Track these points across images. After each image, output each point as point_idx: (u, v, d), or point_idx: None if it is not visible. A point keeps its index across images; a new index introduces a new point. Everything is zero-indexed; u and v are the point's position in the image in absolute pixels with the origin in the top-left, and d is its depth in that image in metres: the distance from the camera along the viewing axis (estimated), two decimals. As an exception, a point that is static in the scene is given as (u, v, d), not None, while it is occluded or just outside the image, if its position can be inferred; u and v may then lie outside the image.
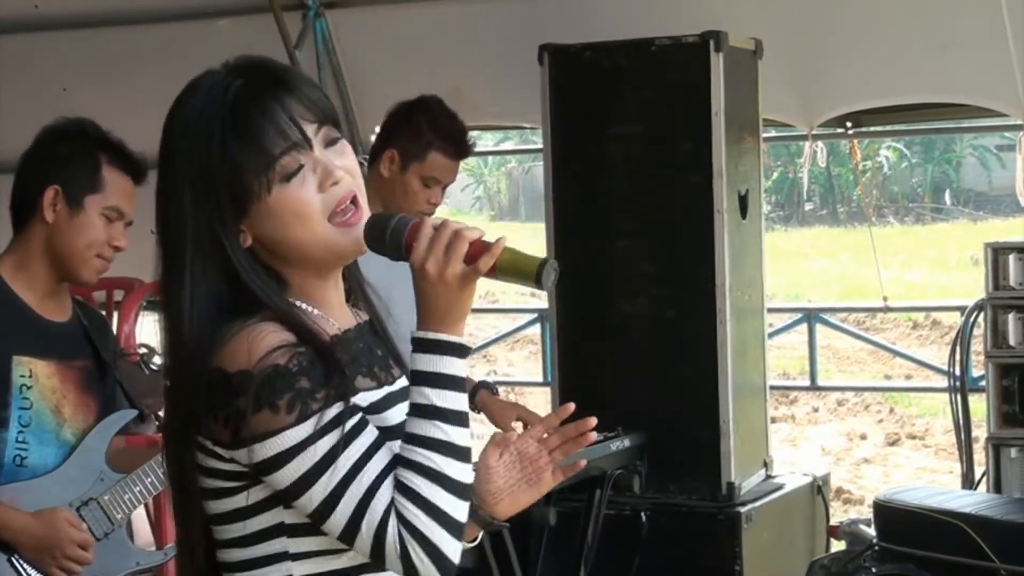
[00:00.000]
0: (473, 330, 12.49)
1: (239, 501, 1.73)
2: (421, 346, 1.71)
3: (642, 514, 4.21)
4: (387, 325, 1.90)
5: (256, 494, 1.72)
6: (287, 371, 1.66)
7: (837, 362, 12.34)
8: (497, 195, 33.05)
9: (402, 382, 1.84)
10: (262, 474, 1.68)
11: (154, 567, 4.63)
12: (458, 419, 1.70)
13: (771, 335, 5.13)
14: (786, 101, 5.01)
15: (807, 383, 8.66)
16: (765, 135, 4.78)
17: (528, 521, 3.80)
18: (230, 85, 1.74)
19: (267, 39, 5.38)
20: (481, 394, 3.68)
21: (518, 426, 3.74)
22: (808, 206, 29.39)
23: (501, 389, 3.88)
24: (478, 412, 3.80)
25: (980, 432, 4.96)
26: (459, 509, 1.69)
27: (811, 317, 6.27)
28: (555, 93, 4.50)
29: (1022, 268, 4.42)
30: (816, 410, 11.80)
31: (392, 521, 1.66)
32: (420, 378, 1.70)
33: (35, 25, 5.87)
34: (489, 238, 1.72)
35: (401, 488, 1.67)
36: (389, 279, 1.98)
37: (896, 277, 15.81)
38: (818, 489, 4.64)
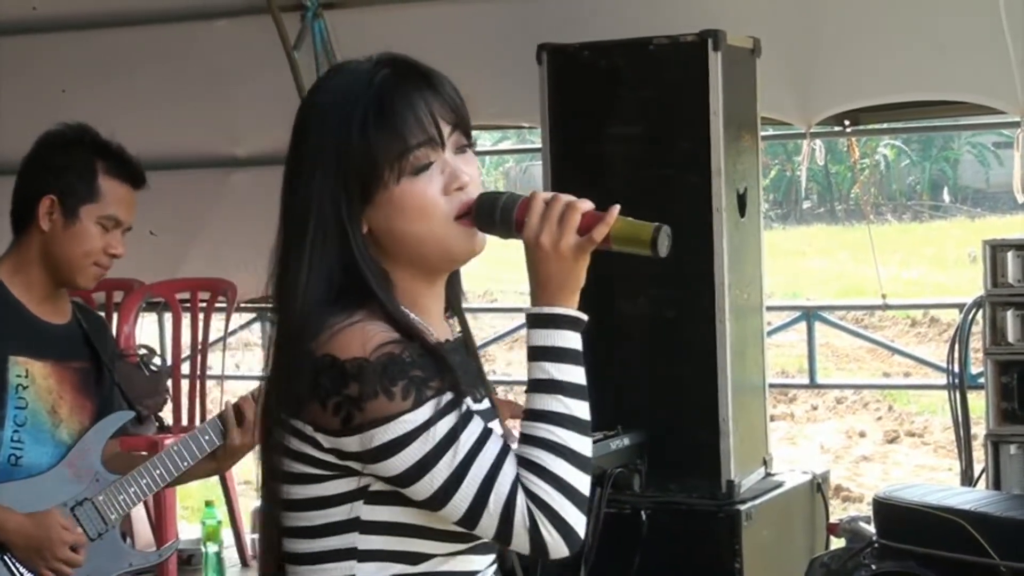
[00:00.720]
0: (472, 329, 12.50)
1: (322, 490, 1.72)
2: (538, 321, 1.71)
3: (642, 512, 4.21)
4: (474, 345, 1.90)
5: (340, 486, 1.72)
6: (401, 360, 1.66)
7: (836, 360, 12.34)
8: (495, 194, 33.01)
9: (487, 403, 1.84)
10: (375, 461, 1.67)
11: (150, 568, 4.67)
12: (578, 392, 1.70)
13: (769, 333, 5.14)
14: (784, 100, 5.01)
15: (805, 381, 8.68)
16: (763, 133, 4.79)
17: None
18: (376, 73, 1.75)
19: (265, 40, 5.39)
20: None
21: (513, 424, 3.74)
22: (806, 204, 29.40)
23: (500, 389, 3.88)
24: None
25: (978, 429, 4.96)
26: (584, 482, 1.69)
27: (810, 315, 6.27)
28: (554, 93, 4.50)
29: (1021, 265, 4.42)
30: (815, 408, 11.80)
31: (520, 496, 1.65)
32: (538, 353, 1.70)
33: (33, 27, 5.88)
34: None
35: (526, 463, 1.67)
36: None
37: (894, 275, 15.80)
38: (817, 487, 4.65)
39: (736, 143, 4.38)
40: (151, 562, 3.28)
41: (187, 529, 5.68)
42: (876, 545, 4.07)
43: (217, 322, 5.58)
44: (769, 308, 5.03)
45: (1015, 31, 4.68)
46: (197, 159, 5.84)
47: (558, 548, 1.66)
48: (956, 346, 4.87)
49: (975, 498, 4.13)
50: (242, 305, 5.85)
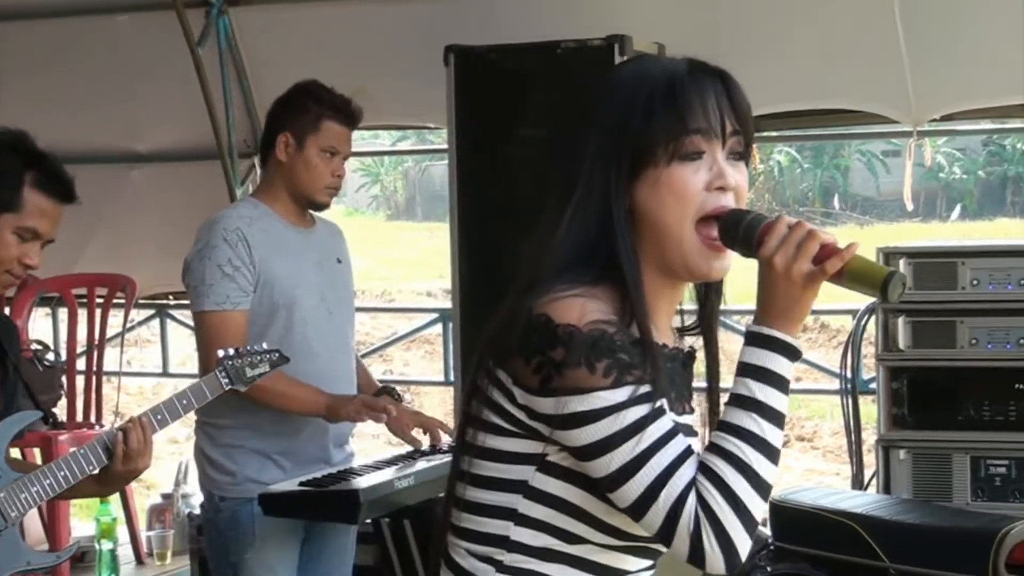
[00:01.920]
0: (369, 329, 12.44)
1: (503, 444, 1.75)
2: (755, 340, 1.72)
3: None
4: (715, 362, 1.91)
5: (519, 445, 1.74)
6: (612, 339, 1.68)
7: (729, 364, 12.46)
8: (394, 194, 32.95)
9: (686, 419, 1.84)
10: (563, 427, 1.68)
11: (46, 568, 4.59)
12: (776, 418, 1.70)
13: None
14: (687, 106, 5.07)
15: (699, 385, 8.78)
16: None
17: (430, 514, 3.81)
18: (677, 64, 1.79)
19: (169, 36, 5.34)
20: (383, 399, 3.69)
21: (418, 432, 3.75)
22: (702, 209, 29.70)
23: (399, 388, 3.88)
24: None
25: (867, 434, 5.06)
26: (759, 506, 1.68)
27: (709, 319, 6.34)
28: (460, 94, 4.52)
29: (912, 272, 4.51)
30: (710, 412, 11.94)
31: (691, 499, 1.66)
32: (747, 370, 1.71)
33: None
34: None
35: (706, 471, 1.67)
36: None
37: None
38: (715, 489, 4.70)
39: (641, 148, 4.41)
40: (49, 563, 3.22)
41: (81, 526, 5.59)
42: (772, 547, 4.13)
43: (115, 318, 5.51)
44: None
45: (910, 43, 4.79)
46: (97, 154, 5.76)
47: (716, 563, 1.66)
48: (849, 352, 4.95)
49: (866, 502, 4.21)
50: (140, 301, 5.78)
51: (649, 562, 1.82)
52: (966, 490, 4.40)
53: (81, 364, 5.40)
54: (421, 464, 3.60)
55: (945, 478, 4.43)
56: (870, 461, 4.90)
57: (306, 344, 3.51)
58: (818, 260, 1.70)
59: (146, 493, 6.29)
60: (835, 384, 5.14)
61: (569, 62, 4.38)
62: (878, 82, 4.94)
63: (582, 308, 1.69)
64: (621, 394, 1.67)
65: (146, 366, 9.91)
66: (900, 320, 4.51)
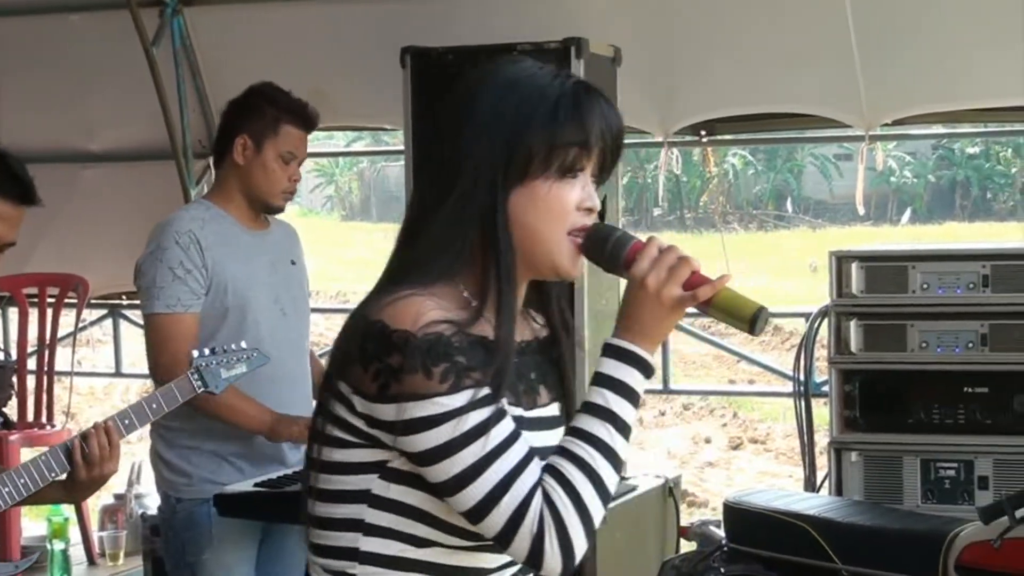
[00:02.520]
0: (323, 330, 12.40)
1: (343, 456, 1.75)
2: (615, 353, 1.74)
3: (498, 515, 4.24)
4: (565, 350, 1.91)
5: (359, 455, 1.74)
6: (448, 342, 1.68)
7: (684, 367, 12.54)
8: (348, 195, 32.87)
9: (544, 412, 1.85)
10: (402, 434, 1.69)
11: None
12: (626, 430, 1.73)
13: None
14: (643, 109, 5.10)
15: (653, 387, 8.81)
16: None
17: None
18: (568, 76, 1.80)
19: (123, 35, 5.30)
20: None
21: None
22: (656, 212, 29.82)
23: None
24: None
25: (819, 436, 5.10)
26: (599, 513, 1.71)
27: (664, 322, 6.37)
28: (417, 96, 4.51)
29: (864, 276, 4.55)
30: (663, 414, 11.98)
31: (535, 502, 1.67)
32: (604, 381, 1.73)
33: None
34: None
35: (554, 472, 1.69)
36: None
37: (740, 284, 16.05)
38: (669, 491, 4.73)
39: (596, 151, 4.43)
40: (8, 573, 3.19)
41: (32, 526, 5.55)
42: (725, 548, 4.15)
43: (66, 318, 5.47)
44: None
45: (862, 49, 4.83)
46: (50, 153, 5.70)
47: (554, 564, 1.68)
48: (802, 355, 4.98)
49: (819, 504, 4.23)
50: (92, 301, 5.75)
51: (508, 557, 1.82)
52: (916, 492, 4.45)
53: (32, 364, 5.36)
54: None
55: (896, 480, 4.48)
56: (822, 463, 4.94)
57: (259, 346, 3.50)
58: (688, 286, 1.73)
59: (99, 493, 6.24)
60: (788, 387, 5.17)
61: (525, 65, 4.38)
62: (831, 86, 4.98)
63: (418, 310, 1.69)
64: (460, 399, 1.67)
65: (97, 366, 9.84)
66: (852, 323, 4.55)
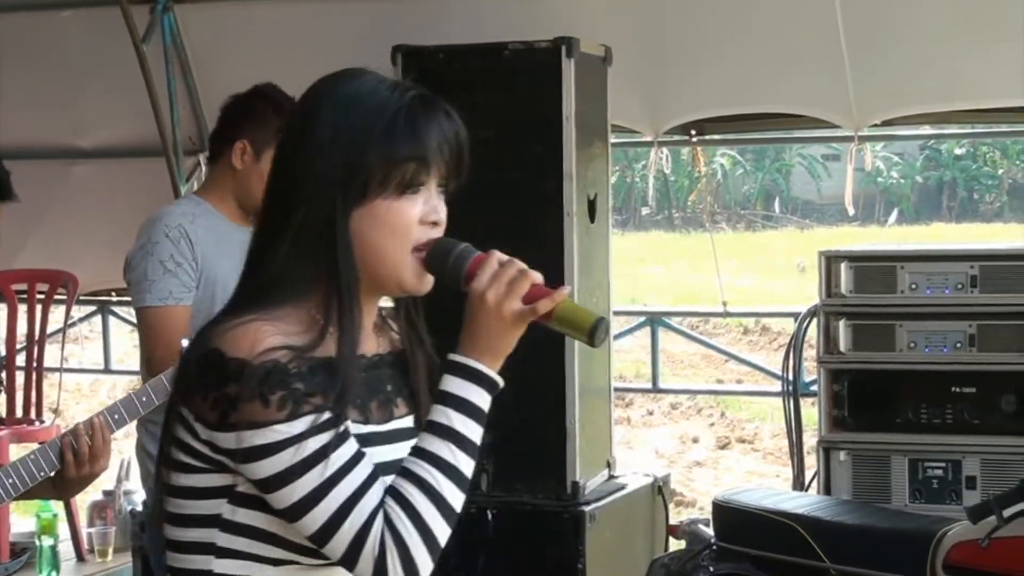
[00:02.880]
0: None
1: (192, 480, 1.75)
2: (457, 370, 1.74)
3: (488, 512, 4.25)
4: (419, 364, 1.89)
5: (206, 480, 1.74)
6: (285, 369, 1.67)
7: (672, 366, 12.56)
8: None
9: (401, 423, 1.84)
10: (243, 462, 1.69)
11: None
12: (471, 449, 1.73)
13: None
14: (633, 108, 5.11)
15: (642, 386, 8.82)
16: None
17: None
18: (407, 89, 1.78)
19: (113, 32, 5.30)
20: None
21: None
22: (644, 211, 29.83)
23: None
24: None
25: (807, 436, 5.12)
26: (444, 533, 1.71)
27: (654, 321, 6.39)
28: (408, 94, 4.51)
29: (853, 276, 4.56)
30: (651, 413, 11.99)
31: (377, 524, 1.67)
32: (447, 399, 1.73)
33: None
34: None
35: (396, 495, 1.69)
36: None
37: (728, 283, 16.07)
38: (659, 489, 4.74)
39: (588, 149, 4.44)
40: None
41: (21, 522, 5.54)
42: (714, 547, 4.16)
43: (56, 314, 5.47)
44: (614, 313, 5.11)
45: (851, 49, 4.85)
46: (39, 149, 5.71)
47: None
48: (791, 354, 5.00)
49: (808, 503, 4.25)
50: (82, 297, 5.74)
51: None
52: (904, 492, 4.46)
53: (20, 360, 5.35)
54: None
55: (884, 480, 4.49)
56: (810, 463, 4.96)
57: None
58: (528, 299, 1.73)
59: (88, 489, 6.24)
60: (776, 386, 5.18)
61: (516, 64, 4.39)
62: (820, 87, 5.00)
63: (255, 336, 1.68)
64: (299, 425, 1.67)
65: (85, 363, 9.83)
66: (841, 323, 4.57)
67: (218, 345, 1.69)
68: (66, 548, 5.12)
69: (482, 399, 1.74)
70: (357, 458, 1.69)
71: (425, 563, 1.69)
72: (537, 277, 1.74)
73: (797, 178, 32.04)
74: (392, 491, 1.69)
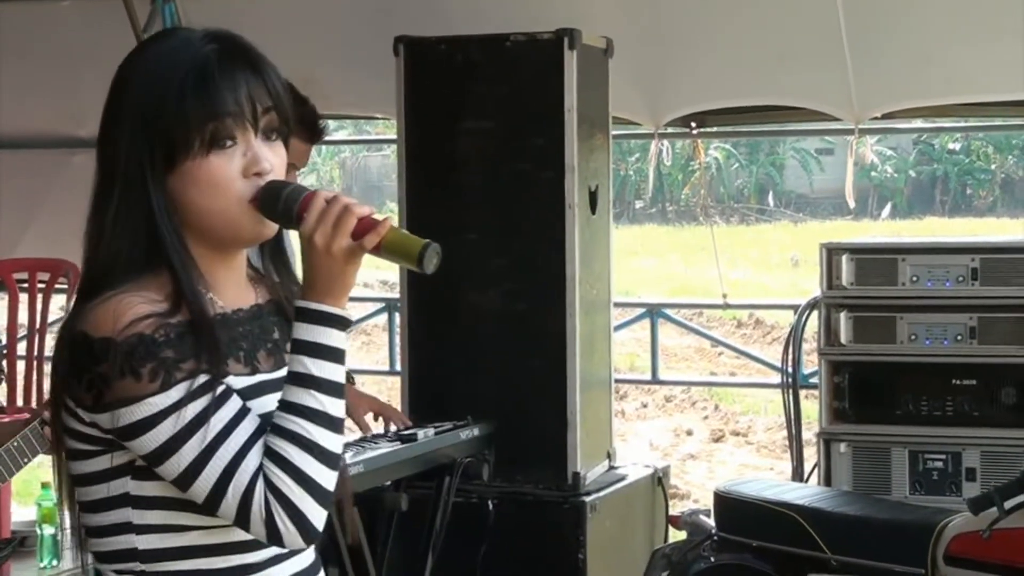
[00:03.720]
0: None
1: (92, 466, 1.75)
2: (303, 316, 1.73)
3: (489, 502, 4.26)
4: (286, 306, 1.88)
5: (105, 461, 1.74)
6: (151, 340, 1.67)
7: (665, 359, 12.55)
8: (330, 184, 32.81)
9: (278, 373, 1.83)
10: (125, 439, 1.69)
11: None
12: (334, 390, 1.72)
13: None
14: (634, 100, 5.12)
15: (636, 378, 8.84)
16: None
17: (378, 505, 3.83)
18: (204, 45, 1.76)
19: (114, 22, 5.29)
20: None
21: (369, 418, 3.75)
22: (639, 204, 29.84)
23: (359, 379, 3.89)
24: None
25: (803, 428, 5.13)
26: (328, 478, 1.71)
27: (653, 313, 6.40)
28: (410, 85, 4.51)
29: (854, 268, 4.58)
30: (645, 406, 12.00)
31: (259, 487, 1.68)
32: (300, 347, 1.73)
33: None
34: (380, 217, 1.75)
35: (272, 455, 1.69)
36: None
37: (722, 276, 16.10)
38: (658, 480, 4.76)
39: (589, 141, 4.45)
40: None
41: (21, 510, 5.53)
42: (715, 537, 4.17)
43: (57, 303, 5.47)
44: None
45: (852, 42, 4.86)
46: (39, 139, 5.70)
47: (293, 540, 1.70)
48: (790, 346, 5.01)
49: (809, 494, 4.26)
50: (82, 288, 5.74)
51: None
52: (905, 483, 4.48)
53: (21, 349, 5.35)
54: (371, 451, 3.61)
55: (884, 472, 4.51)
56: (808, 455, 4.97)
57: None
58: (356, 235, 1.72)
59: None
60: (772, 379, 5.20)
61: (518, 55, 4.39)
62: (821, 80, 5.00)
63: (115, 313, 1.68)
64: (173, 395, 1.67)
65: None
66: (842, 315, 4.58)
67: (82, 328, 1.69)
68: (67, 537, 5.11)
69: (333, 338, 1.73)
70: (238, 418, 1.70)
71: (314, 512, 1.70)
72: (363, 210, 1.73)
73: (791, 172, 32.06)
74: (267, 450, 1.69)
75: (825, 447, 4.59)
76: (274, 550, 1.79)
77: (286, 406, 1.71)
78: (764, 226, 27.54)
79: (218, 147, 1.75)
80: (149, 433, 1.67)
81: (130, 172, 1.74)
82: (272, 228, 1.80)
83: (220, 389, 1.69)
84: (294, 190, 1.76)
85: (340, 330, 1.74)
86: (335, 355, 1.73)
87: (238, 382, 1.76)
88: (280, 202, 1.75)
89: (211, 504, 1.69)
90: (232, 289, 1.84)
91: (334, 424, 1.72)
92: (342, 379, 1.73)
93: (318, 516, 1.70)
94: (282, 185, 1.77)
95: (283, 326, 1.86)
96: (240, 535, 1.75)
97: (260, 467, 1.68)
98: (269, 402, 1.75)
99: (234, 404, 1.71)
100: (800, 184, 31.71)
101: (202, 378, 1.68)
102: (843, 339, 4.59)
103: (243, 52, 1.78)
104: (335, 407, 1.72)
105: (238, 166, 1.76)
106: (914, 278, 4.50)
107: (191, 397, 1.67)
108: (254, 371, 1.79)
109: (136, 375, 1.66)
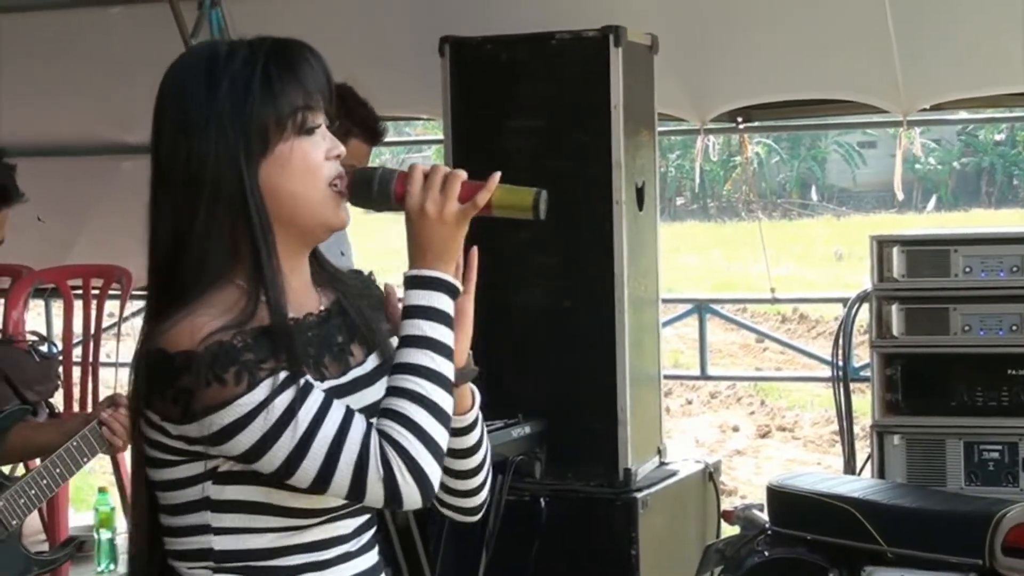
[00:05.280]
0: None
1: (174, 473, 1.78)
2: (418, 283, 1.78)
3: (541, 500, 4.27)
4: (362, 304, 1.92)
5: (188, 469, 1.77)
6: (231, 346, 1.70)
7: (710, 355, 12.55)
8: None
9: (360, 370, 1.86)
10: (218, 443, 1.71)
11: (49, 568, 4.60)
12: (447, 352, 1.77)
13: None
14: (679, 96, 5.12)
15: (686, 374, 8.83)
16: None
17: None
18: (264, 42, 1.80)
19: (162, 28, 5.33)
20: None
21: None
22: (679, 201, 29.78)
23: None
24: None
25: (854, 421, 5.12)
26: (443, 436, 1.75)
27: (701, 308, 6.40)
28: (455, 85, 4.53)
29: (905, 260, 4.56)
30: (690, 402, 11.99)
31: (373, 448, 1.70)
32: (416, 311, 1.77)
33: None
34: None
35: (389, 413, 1.73)
36: None
37: (765, 272, 16.04)
38: (709, 475, 4.76)
39: (635, 137, 4.45)
40: (55, 562, 3.24)
41: (78, 516, 5.60)
42: (769, 532, 4.16)
43: (109, 309, 5.52)
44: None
45: (899, 32, 4.83)
46: (89, 146, 5.76)
47: (412, 496, 1.73)
48: (840, 339, 5.00)
49: (863, 486, 4.25)
50: (133, 292, 5.79)
51: (363, 517, 1.86)
52: (960, 475, 4.45)
53: (77, 355, 5.41)
54: None
55: (939, 463, 4.48)
56: (858, 449, 4.96)
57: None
58: (464, 197, 1.78)
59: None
60: (816, 373, 5.18)
61: (563, 53, 4.40)
62: (868, 72, 4.98)
63: (191, 328, 1.71)
64: (260, 393, 1.69)
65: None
66: (894, 307, 4.56)
67: (159, 345, 1.72)
68: (123, 541, 5.17)
69: (447, 304, 1.78)
70: (328, 402, 1.72)
71: (431, 466, 1.72)
72: (464, 174, 1.78)
73: (833, 166, 31.91)
74: (384, 411, 1.73)
75: (878, 440, 4.57)
76: (342, 548, 1.81)
77: (402, 367, 1.75)
78: (807, 221, 27.43)
79: (305, 132, 1.79)
80: (243, 432, 1.69)
81: (222, 166, 1.75)
82: (346, 218, 1.84)
83: (303, 381, 1.72)
84: (385, 171, 1.80)
85: (452, 298, 1.79)
86: (448, 320, 1.78)
87: (324, 385, 1.78)
88: (374, 184, 1.79)
89: (320, 482, 1.70)
90: (302, 293, 1.86)
91: (447, 385, 1.76)
92: (452, 343, 1.78)
93: (434, 472, 1.73)
94: (370, 171, 1.81)
95: (346, 327, 1.88)
96: (312, 535, 1.78)
97: (367, 432, 1.71)
98: (364, 397, 1.80)
99: (319, 394, 1.73)
100: (843, 178, 31.56)
101: (283, 374, 1.71)
102: (895, 331, 4.56)
103: (302, 44, 1.83)
104: (447, 369, 1.76)
105: (322, 150, 1.81)
106: (967, 269, 4.48)
107: (276, 392, 1.70)
108: (322, 378, 1.80)
109: (221, 381, 1.69)
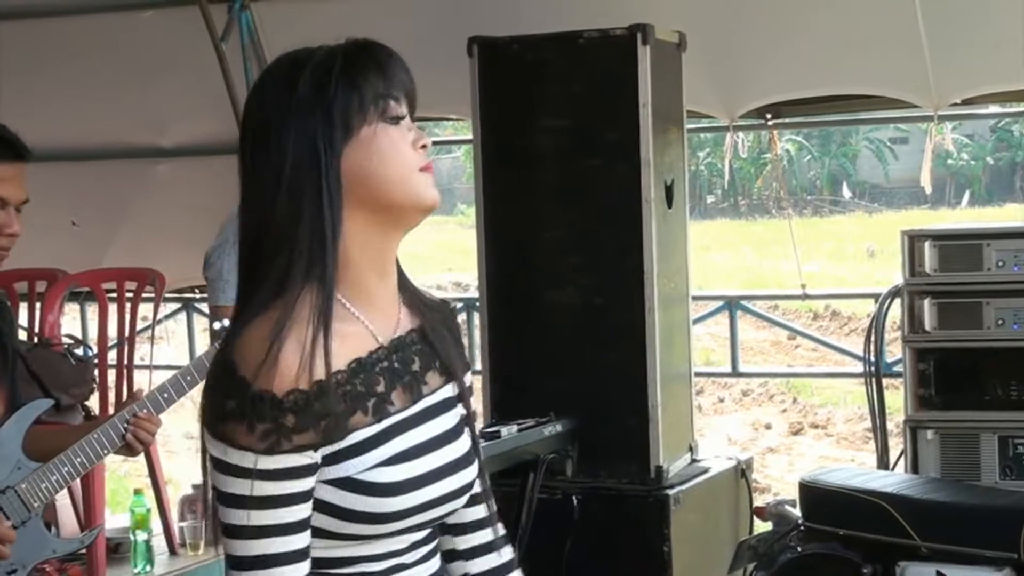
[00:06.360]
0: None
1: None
2: None
3: (573, 498, 4.28)
4: (445, 333, 1.86)
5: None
6: (279, 402, 1.66)
7: (742, 353, 12.50)
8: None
9: (434, 398, 1.81)
10: (213, 466, 1.69)
11: (79, 556, 4.62)
12: None
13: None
14: (707, 93, 5.11)
15: (718, 371, 8.81)
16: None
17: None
18: (342, 43, 1.77)
19: (193, 31, 5.38)
20: None
21: None
22: (709, 199, 29.72)
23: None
24: None
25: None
26: None
27: (732, 306, 6.39)
28: (484, 86, 4.55)
29: (937, 255, 4.54)
30: (722, 400, 11.97)
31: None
32: None
33: (-42, 17, 5.82)
34: None
35: None
36: None
37: (796, 269, 15.99)
38: (741, 472, 4.76)
39: (664, 135, 4.46)
40: (74, 548, 3.27)
41: (114, 518, 5.64)
42: (802, 528, 4.16)
43: (143, 311, 5.55)
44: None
45: (930, 27, 4.82)
46: (122, 149, 5.81)
47: None
48: (872, 335, 4.99)
49: (896, 481, 4.25)
50: (167, 295, 5.84)
51: (419, 534, 1.81)
52: (994, 469, 4.43)
53: (111, 358, 5.44)
54: None
55: (973, 458, 4.46)
56: (892, 444, 4.95)
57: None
58: None
59: (179, 484, 6.34)
60: (849, 369, 5.16)
61: (591, 52, 4.41)
62: (898, 66, 4.96)
63: (264, 358, 1.66)
64: (271, 463, 1.66)
65: (171, 359, 9.95)
66: (926, 302, 4.54)
67: (234, 356, 1.68)
68: (158, 542, 5.20)
69: None
70: (296, 527, 1.68)
71: None
72: None
73: (864, 162, 31.77)
74: None
75: (912, 435, 4.55)
76: (395, 560, 1.79)
77: None
78: (838, 217, 27.31)
79: (390, 120, 1.74)
80: (231, 478, 1.67)
81: (301, 171, 1.70)
82: (438, 197, 1.79)
83: (308, 487, 1.68)
84: None
85: None
86: None
87: (367, 431, 1.73)
88: None
89: (235, 566, 1.69)
90: (384, 310, 1.80)
91: None
92: None
93: None
94: None
95: (426, 352, 1.82)
96: (362, 550, 1.75)
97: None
98: (410, 438, 1.74)
99: (302, 510, 1.69)
100: (874, 174, 31.42)
101: (306, 460, 1.67)
102: (927, 326, 4.55)
103: (376, 42, 1.79)
104: None
105: (408, 139, 1.76)
106: (1000, 263, 4.46)
107: (279, 476, 1.66)
108: (383, 416, 1.74)
109: (251, 428, 1.65)
